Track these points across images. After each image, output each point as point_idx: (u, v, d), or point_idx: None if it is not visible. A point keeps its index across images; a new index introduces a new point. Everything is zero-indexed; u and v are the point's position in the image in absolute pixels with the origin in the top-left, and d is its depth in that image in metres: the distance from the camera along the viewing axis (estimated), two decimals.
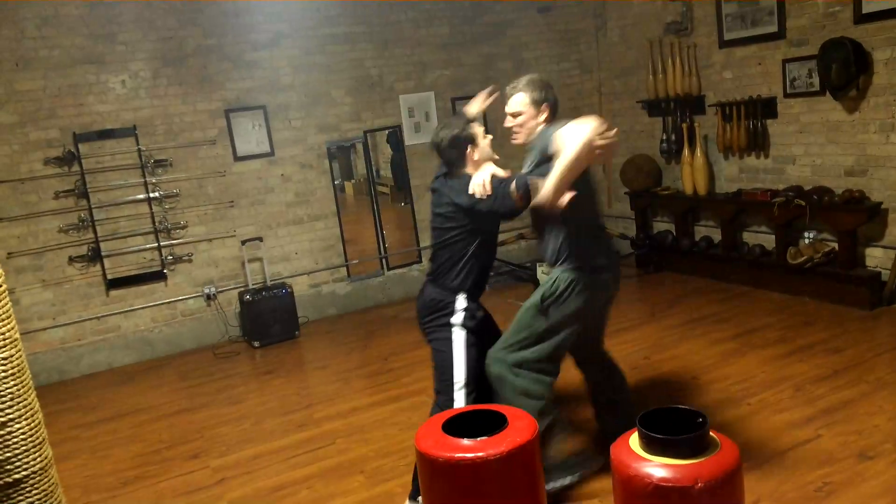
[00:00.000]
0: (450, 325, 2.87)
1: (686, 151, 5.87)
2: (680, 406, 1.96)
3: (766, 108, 5.36)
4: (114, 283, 5.46)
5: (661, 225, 6.51)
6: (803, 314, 4.81)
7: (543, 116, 2.88)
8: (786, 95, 5.22)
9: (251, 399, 4.57)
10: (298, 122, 5.98)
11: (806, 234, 5.23)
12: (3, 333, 1.97)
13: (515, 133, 2.94)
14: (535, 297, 2.87)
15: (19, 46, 5.01)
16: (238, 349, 5.62)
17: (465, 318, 2.85)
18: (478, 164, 2.89)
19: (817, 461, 3.03)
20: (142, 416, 4.51)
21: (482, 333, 2.92)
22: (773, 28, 5.19)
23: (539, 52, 6.89)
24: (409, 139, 6.39)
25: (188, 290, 5.74)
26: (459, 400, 2.80)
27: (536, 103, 2.86)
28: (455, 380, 2.82)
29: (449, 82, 6.51)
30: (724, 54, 5.65)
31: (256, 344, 5.59)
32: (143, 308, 5.60)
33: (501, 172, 2.81)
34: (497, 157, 2.96)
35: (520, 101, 2.88)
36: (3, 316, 1.98)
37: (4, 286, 2.02)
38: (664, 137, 6.20)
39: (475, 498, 1.85)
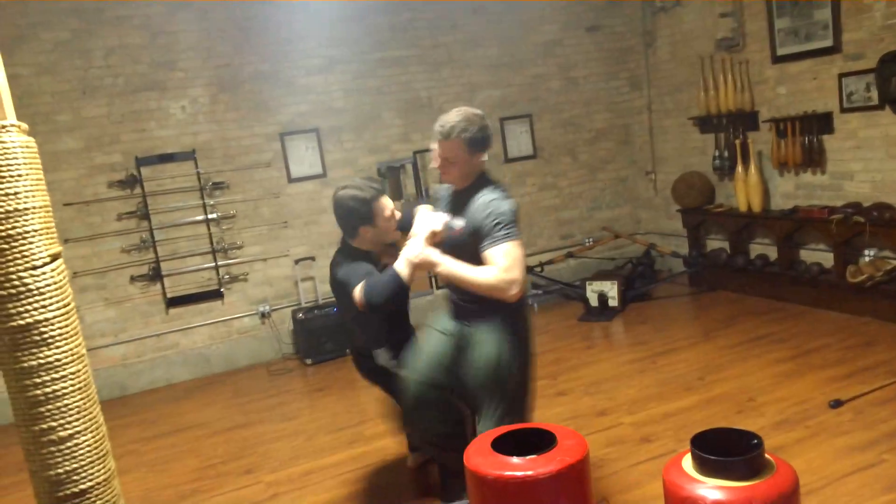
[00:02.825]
0: None
1: (739, 168, 5.77)
2: (734, 428, 1.93)
3: (821, 123, 5.24)
4: (173, 302, 5.64)
5: (715, 243, 6.40)
6: (864, 334, 4.65)
7: (480, 159, 2.70)
8: (842, 110, 5.10)
9: (303, 415, 4.65)
10: (350, 144, 6.10)
11: (866, 252, 5.07)
12: (71, 350, 2.07)
13: (446, 174, 2.75)
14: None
15: (86, 75, 5.26)
16: (291, 366, 5.73)
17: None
18: (372, 244, 2.82)
19: (881, 486, 2.93)
20: (198, 431, 4.62)
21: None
22: (829, 42, 5.09)
23: (588, 70, 6.89)
24: None
25: (244, 309, 5.88)
26: None
27: (473, 145, 2.65)
28: None
29: (497, 102, 6.55)
30: (778, 69, 5.55)
31: (309, 361, 5.69)
32: (200, 326, 5.75)
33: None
34: (396, 240, 2.87)
35: (454, 146, 2.66)
36: (72, 333, 2.08)
37: (73, 304, 2.12)
38: (717, 154, 6.11)
39: None
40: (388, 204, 2.92)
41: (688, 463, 1.89)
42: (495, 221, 2.59)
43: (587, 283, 6.06)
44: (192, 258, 5.66)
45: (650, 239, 6.83)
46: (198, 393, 5.40)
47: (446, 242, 2.76)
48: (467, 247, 2.70)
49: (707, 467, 1.81)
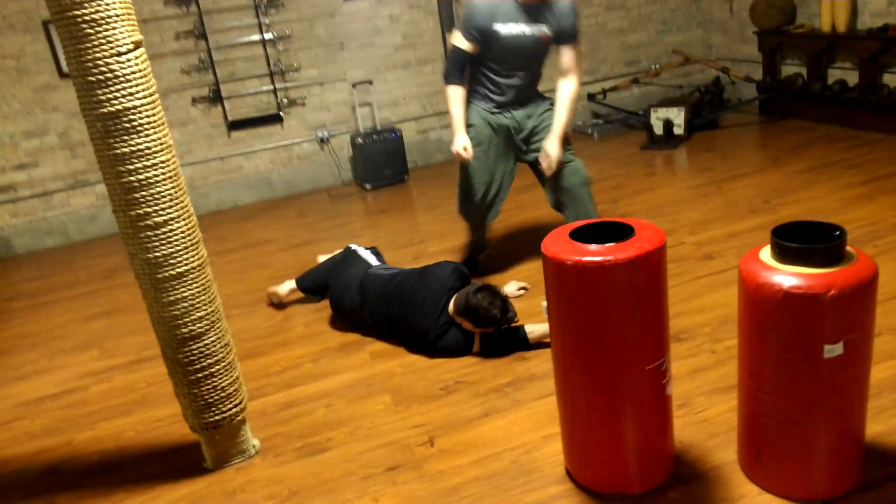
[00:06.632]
0: None
1: None
2: (816, 221, 1.92)
3: None
4: (234, 125, 5.70)
5: (791, 69, 6.05)
6: None
7: None
8: None
9: (367, 234, 4.79)
10: None
11: None
12: (159, 139, 2.12)
13: None
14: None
15: None
16: (351, 191, 5.84)
17: None
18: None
19: None
20: (268, 246, 4.83)
21: None
22: None
23: None
24: None
25: (303, 134, 5.92)
26: None
27: None
28: None
29: None
30: None
31: (368, 186, 5.78)
32: (262, 150, 5.84)
33: None
34: None
35: None
36: (159, 123, 2.13)
37: (157, 95, 2.15)
38: None
39: (601, 301, 1.91)
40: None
41: (765, 254, 1.90)
42: (573, 23, 3.34)
43: (652, 109, 5.88)
44: (250, 80, 5.64)
45: (722, 65, 6.49)
46: (263, 214, 5.59)
47: (518, 49, 3.37)
48: (536, 50, 3.40)
49: (786, 255, 1.81)
